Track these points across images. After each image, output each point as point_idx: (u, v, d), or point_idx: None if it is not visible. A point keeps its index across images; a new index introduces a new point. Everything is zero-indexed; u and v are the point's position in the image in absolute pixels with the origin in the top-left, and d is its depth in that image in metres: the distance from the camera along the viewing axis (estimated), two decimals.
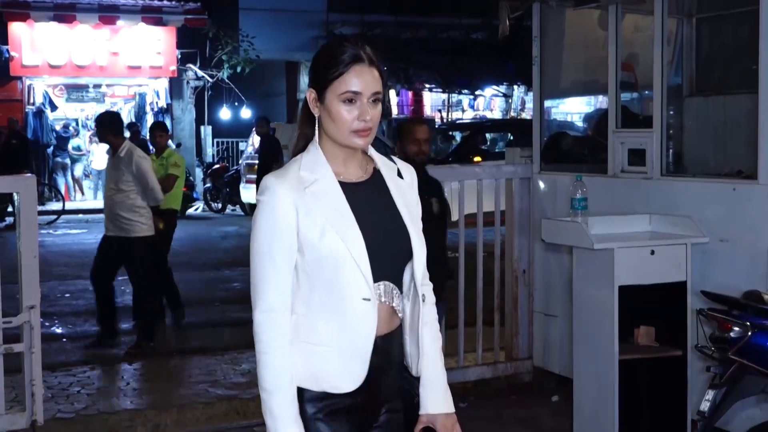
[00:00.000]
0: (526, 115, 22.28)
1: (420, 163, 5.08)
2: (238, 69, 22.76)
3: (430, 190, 5.13)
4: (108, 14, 21.54)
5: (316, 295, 2.42)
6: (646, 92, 5.71)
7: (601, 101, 6.40)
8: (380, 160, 2.57)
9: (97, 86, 22.93)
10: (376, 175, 2.54)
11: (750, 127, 4.99)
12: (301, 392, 2.40)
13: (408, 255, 2.49)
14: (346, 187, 2.44)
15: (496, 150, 14.99)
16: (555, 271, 6.15)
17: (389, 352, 2.49)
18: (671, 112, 5.79)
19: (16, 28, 20.98)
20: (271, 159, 12.84)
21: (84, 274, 11.60)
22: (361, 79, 2.38)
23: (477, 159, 13.43)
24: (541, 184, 6.41)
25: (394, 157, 2.67)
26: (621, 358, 4.77)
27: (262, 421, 2.42)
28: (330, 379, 2.40)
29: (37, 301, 5.42)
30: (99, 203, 20.97)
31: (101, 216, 18.86)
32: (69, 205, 20.21)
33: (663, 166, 5.51)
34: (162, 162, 8.79)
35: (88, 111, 23.12)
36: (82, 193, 22.19)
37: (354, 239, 2.37)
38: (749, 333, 4.15)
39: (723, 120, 5.72)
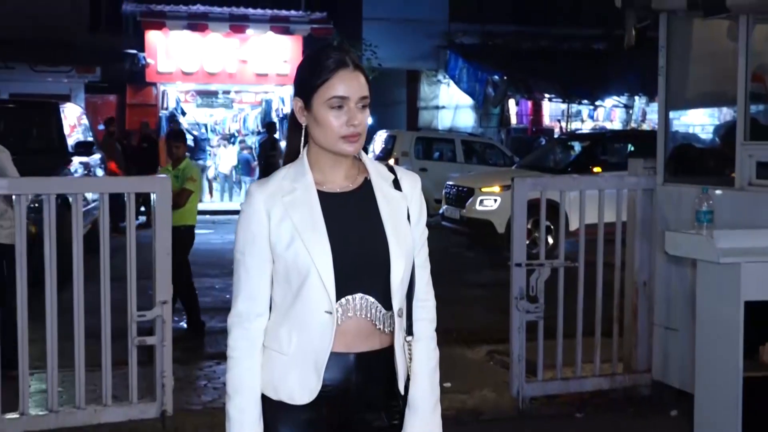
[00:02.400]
0: (647, 126, 21.82)
1: None
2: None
3: None
4: (238, 23, 21.91)
5: (285, 304, 2.37)
6: None
7: (727, 113, 6.21)
8: (374, 170, 2.48)
9: (226, 92, 23.38)
10: (365, 185, 2.44)
11: None
12: (264, 399, 2.38)
13: (388, 269, 2.37)
14: (326, 196, 2.37)
15: (617, 162, 14.75)
16: (677, 284, 6.00)
17: (371, 369, 2.38)
18: None
19: (152, 37, 21.52)
20: None
21: (210, 273, 11.97)
22: (348, 84, 2.33)
23: (597, 170, 13.20)
24: (665, 196, 6.27)
25: (396, 167, 2.57)
26: (745, 375, 4.63)
27: None
28: (285, 389, 2.35)
29: (169, 297, 5.59)
30: (225, 205, 21.62)
31: (227, 217, 19.51)
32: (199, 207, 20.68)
33: None
34: (177, 174, 8.16)
35: (217, 116, 23.67)
36: (211, 195, 22.59)
37: (320, 250, 2.30)
38: None
39: None
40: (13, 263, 5.40)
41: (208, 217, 19.66)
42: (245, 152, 23.12)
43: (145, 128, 19.28)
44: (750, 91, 5.69)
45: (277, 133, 20.93)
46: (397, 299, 2.38)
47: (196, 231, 16.61)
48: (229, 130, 23.58)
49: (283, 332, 2.35)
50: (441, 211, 16.05)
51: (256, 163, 22.80)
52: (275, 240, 2.33)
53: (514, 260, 5.97)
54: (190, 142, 22.12)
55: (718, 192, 5.63)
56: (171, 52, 21.64)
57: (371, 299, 2.35)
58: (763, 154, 5.55)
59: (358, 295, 2.34)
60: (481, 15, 24.23)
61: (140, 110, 21.85)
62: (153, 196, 5.65)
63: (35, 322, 5.34)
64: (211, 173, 22.65)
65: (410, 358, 2.45)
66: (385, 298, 2.36)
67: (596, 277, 6.33)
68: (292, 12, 22.71)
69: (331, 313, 2.30)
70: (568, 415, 5.88)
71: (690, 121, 6.92)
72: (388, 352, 2.41)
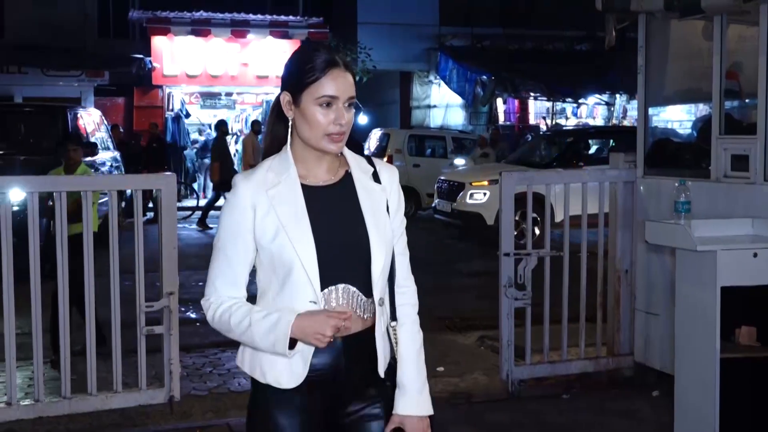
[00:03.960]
0: (627, 122, 21.84)
1: None
2: (356, 78, 22.85)
3: None
4: (239, 28, 21.95)
5: (270, 293, 2.34)
6: (750, 100, 5.53)
7: (703, 109, 6.22)
8: (355, 163, 2.45)
9: (228, 94, 23.44)
10: (347, 178, 2.41)
11: None
12: (253, 381, 2.39)
13: (369, 259, 2.34)
14: (309, 190, 2.34)
15: (599, 156, 14.75)
16: (657, 271, 6.03)
17: (353, 353, 2.35)
18: None
19: (158, 42, 21.52)
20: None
21: None
22: (337, 84, 2.29)
23: (581, 165, 13.23)
24: (645, 188, 6.30)
25: (375, 159, 2.54)
26: (722, 356, 4.63)
27: None
28: (273, 373, 2.32)
29: (175, 288, 5.58)
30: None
31: None
32: (203, 203, 20.65)
33: (766, 171, 5.35)
34: None
35: (220, 116, 23.64)
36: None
37: (304, 242, 2.27)
38: None
39: None
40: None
41: (213, 212, 19.59)
42: None
43: (153, 129, 19.25)
44: (725, 88, 5.70)
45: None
46: (379, 288, 2.37)
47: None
48: (232, 130, 23.56)
49: None
50: (433, 205, 16.13)
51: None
52: (260, 232, 2.30)
53: (502, 250, 5.97)
54: (197, 136, 22.21)
55: (694, 184, 5.61)
56: (176, 56, 21.64)
57: (353, 289, 2.33)
58: (737, 147, 5.55)
59: (341, 286, 2.32)
60: (470, 19, 24.24)
61: (147, 112, 21.81)
62: (159, 193, 5.64)
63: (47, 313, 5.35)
64: None
65: (395, 342, 2.44)
66: (366, 287, 2.35)
67: (581, 266, 6.33)
68: (291, 17, 22.74)
69: (316, 303, 2.28)
70: (555, 396, 5.91)
71: (668, 117, 6.95)
72: (370, 337, 2.38)
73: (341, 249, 2.33)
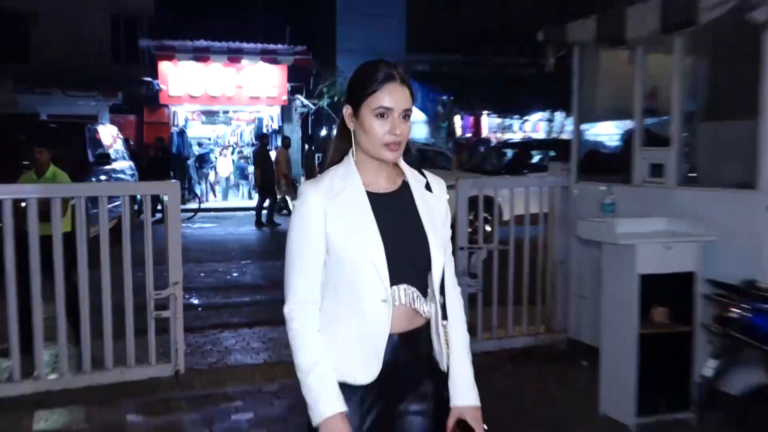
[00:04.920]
0: (565, 136, 21.98)
1: None
2: (335, 98, 22.94)
3: None
4: (235, 55, 21.78)
5: (340, 294, 2.15)
6: (665, 118, 5.61)
7: (627, 124, 6.29)
8: (410, 174, 2.30)
9: (225, 112, 23.30)
10: (404, 187, 2.25)
11: (751, 146, 4.88)
12: None
13: (428, 262, 2.20)
14: (373, 197, 2.18)
15: (540, 164, 14.79)
16: (587, 261, 6.05)
17: (412, 348, 2.20)
18: (687, 134, 5.67)
19: (164, 67, 21.37)
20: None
21: (215, 258, 11.94)
22: (393, 96, 2.12)
23: (526, 171, 13.31)
24: (578, 192, 6.34)
25: (425, 171, 2.38)
26: (640, 332, 4.72)
27: None
28: (348, 370, 2.13)
29: (180, 278, 5.61)
30: (227, 203, 21.49)
31: (229, 213, 19.39)
32: (203, 205, 20.63)
33: (678, 177, 5.42)
34: (47, 182, 6.30)
35: (218, 131, 23.62)
36: (215, 195, 22.53)
37: (374, 245, 2.11)
38: (748, 314, 4.07)
39: (729, 140, 5.60)
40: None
41: (212, 213, 19.63)
42: (241, 161, 23.09)
43: (159, 142, 19.17)
44: (644, 107, 5.76)
45: (270, 144, 20.94)
46: (437, 288, 2.24)
47: (203, 225, 16.92)
48: (228, 143, 23.53)
49: (342, 320, 2.16)
50: None
51: (250, 169, 22.82)
52: (332, 236, 2.13)
53: (457, 245, 6.03)
54: (193, 154, 22.12)
55: (619, 188, 5.67)
56: (180, 79, 21.48)
57: (413, 288, 2.17)
58: (654, 157, 5.59)
59: (403, 286, 2.15)
60: (432, 48, 24.33)
61: (155, 127, 21.71)
62: (165, 198, 5.66)
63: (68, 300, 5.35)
64: (212, 177, 22.58)
65: (446, 340, 2.29)
66: (422, 287, 2.21)
67: (523, 257, 6.40)
68: (279, 45, 22.59)
69: (386, 301, 2.12)
70: (502, 367, 5.94)
71: (597, 131, 6.99)
72: (425, 333, 2.24)
73: (404, 252, 2.17)
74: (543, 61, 6.51)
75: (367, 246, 2.12)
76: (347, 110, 2.19)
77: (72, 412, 5.04)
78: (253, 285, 9.93)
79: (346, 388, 2.13)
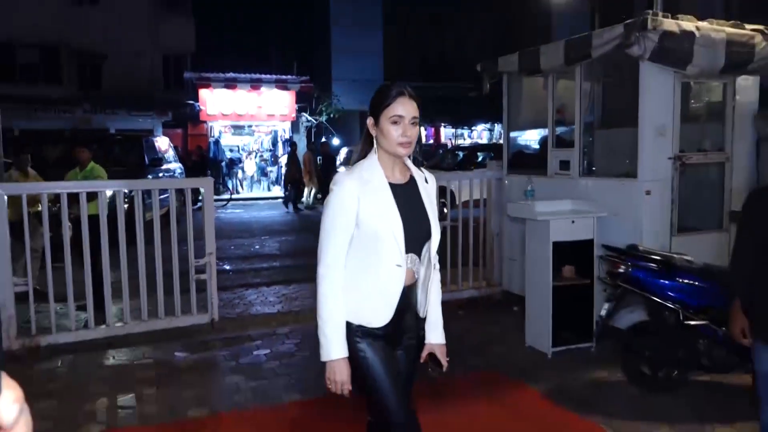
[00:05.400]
0: (502, 141, 21.95)
1: None
2: (332, 115, 22.82)
3: None
4: (255, 83, 21.59)
5: (365, 259, 2.10)
6: (570, 127, 5.61)
7: (542, 132, 6.30)
8: (414, 170, 2.27)
9: (249, 126, 22.98)
10: (412, 179, 2.23)
11: (632, 147, 4.90)
12: (347, 324, 2.12)
13: (428, 236, 2.18)
14: (392, 186, 2.14)
15: (483, 162, 14.72)
16: (515, 233, 6.07)
17: (409, 299, 2.19)
18: (588, 138, 5.67)
19: (203, 93, 21.14)
20: (328, 167, 12.25)
21: (242, 236, 11.86)
22: (404, 107, 2.09)
23: (472, 168, 13.31)
24: (508, 182, 6.35)
25: (422, 169, 2.35)
26: (554, 284, 4.76)
27: None
28: (367, 317, 2.11)
29: (213, 249, 5.56)
30: (252, 194, 21.35)
31: (253, 202, 19.27)
32: (234, 196, 20.49)
33: (580, 170, 5.44)
34: (87, 175, 6.13)
35: (245, 141, 23.40)
36: (243, 188, 22.36)
37: (396, 222, 2.09)
38: (630, 269, 4.11)
39: (618, 143, 5.62)
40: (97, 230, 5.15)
41: (240, 202, 19.51)
42: (262, 162, 22.99)
43: (199, 150, 19.01)
44: (555, 119, 5.77)
45: (283, 150, 20.81)
46: (434, 256, 2.24)
47: (233, 210, 16.82)
48: (252, 149, 23.32)
49: (364, 278, 2.11)
50: None
51: (268, 169, 22.71)
52: (363, 214, 2.06)
53: None
54: (227, 158, 21.96)
55: (537, 179, 5.69)
56: (215, 101, 21.20)
57: (414, 256, 2.15)
58: (563, 155, 5.61)
59: (411, 254, 2.13)
60: (402, 76, 24.19)
61: (197, 138, 21.53)
62: (201, 190, 5.60)
63: (131, 269, 5.30)
64: (240, 175, 22.42)
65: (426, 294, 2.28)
66: (419, 255, 2.18)
67: (469, 231, 6.41)
68: (289, 76, 22.45)
69: (401, 266, 2.10)
70: (455, 312, 5.95)
71: (521, 137, 7.01)
72: (414, 289, 2.21)
73: (413, 228, 2.14)
74: (481, 85, 6.49)
75: (390, 223, 2.09)
76: (370, 121, 2.15)
77: (134, 351, 5.03)
78: (270, 254, 9.88)
79: (363, 329, 2.11)
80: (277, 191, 21.68)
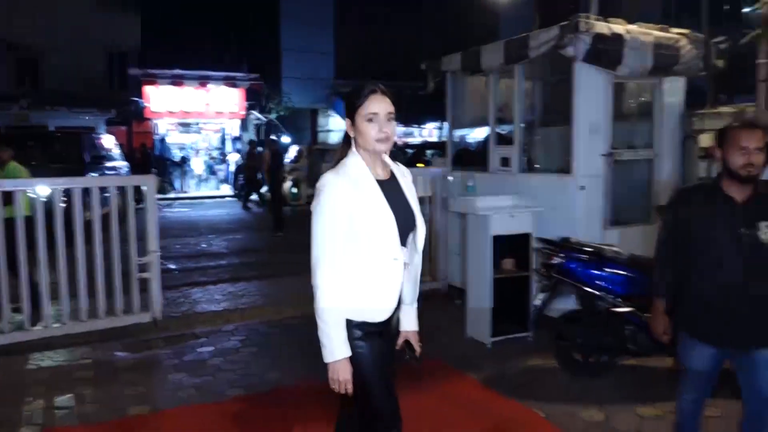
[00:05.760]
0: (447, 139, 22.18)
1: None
2: (282, 113, 22.66)
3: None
4: (204, 80, 21.32)
5: (362, 256, 2.09)
6: (511, 125, 5.78)
7: (484, 130, 6.44)
8: (393, 165, 2.27)
9: (197, 124, 22.63)
10: (393, 175, 2.24)
11: (568, 144, 5.09)
12: (347, 322, 2.11)
13: (413, 228, 2.20)
14: (377, 183, 2.16)
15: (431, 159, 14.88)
16: (457, 227, 6.15)
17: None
18: (528, 136, 5.84)
19: (148, 89, 20.75)
20: (277, 165, 12.01)
21: (188, 234, 11.69)
22: (377, 104, 2.11)
23: (420, 165, 13.44)
24: (452, 178, 6.44)
25: (397, 163, 2.35)
26: (494, 277, 4.87)
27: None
28: (370, 313, 2.12)
29: (157, 248, 5.50)
30: (199, 193, 21.05)
31: (200, 201, 18.97)
32: (180, 195, 20.11)
33: (520, 166, 5.60)
34: (7, 175, 5.62)
35: (192, 138, 23.01)
36: (190, 187, 22.01)
37: (389, 218, 2.10)
38: (563, 261, 4.29)
39: (555, 140, 5.82)
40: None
41: (188, 201, 19.19)
42: (210, 161, 22.66)
43: (143, 147, 18.64)
44: (497, 117, 5.91)
45: (232, 148, 20.56)
46: (420, 247, 2.26)
47: (180, 209, 16.53)
48: (200, 147, 22.96)
49: (364, 274, 2.11)
50: None
51: (217, 167, 22.39)
52: (357, 212, 2.07)
53: None
54: (174, 157, 21.54)
55: (479, 175, 5.84)
56: (161, 98, 20.83)
57: (404, 248, 2.18)
58: (503, 153, 5.75)
59: (403, 247, 2.18)
60: (354, 75, 24.24)
61: (141, 136, 21.03)
62: (144, 188, 5.53)
63: (70, 269, 5.18)
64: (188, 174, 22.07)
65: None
66: (406, 247, 2.20)
67: None
68: (238, 73, 22.19)
69: (397, 259, 2.13)
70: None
71: (464, 135, 7.15)
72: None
73: (402, 222, 2.15)
74: (425, 84, 6.59)
75: (385, 219, 2.10)
76: (347, 122, 2.16)
77: (72, 352, 4.93)
78: (217, 253, 9.78)
79: (364, 326, 2.12)
80: (226, 190, 21.43)
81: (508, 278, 4.96)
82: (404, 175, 2.28)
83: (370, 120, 2.10)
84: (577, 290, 4.28)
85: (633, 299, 4.08)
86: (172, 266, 8.48)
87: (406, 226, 2.17)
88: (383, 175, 2.19)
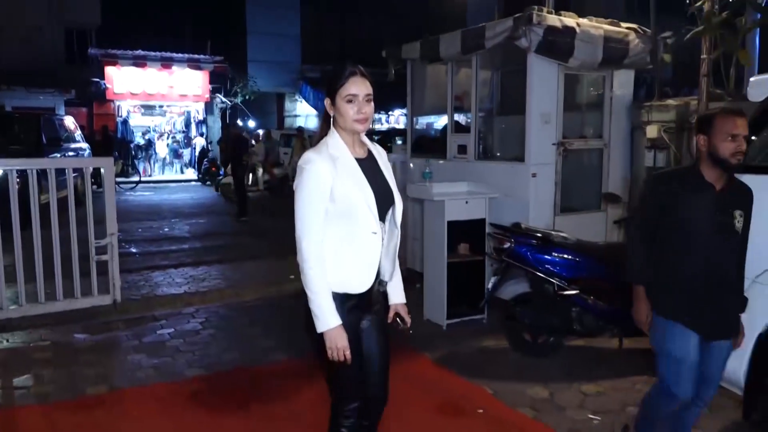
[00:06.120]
0: (418, 126, 22.30)
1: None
2: (247, 97, 22.42)
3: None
4: (167, 62, 20.91)
5: (342, 231, 2.17)
6: (468, 113, 5.89)
7: (443, 118, 6.55)
8: (370, 144, 2.35)
9: (160, 106, 22.27)
10: (370, 153, 2.31)
11: (521, 133, 5.25)
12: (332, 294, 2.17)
13: (391, 204, 2.27)
14: (357, 161, 2.22)
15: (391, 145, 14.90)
16: (416, 213, 6.20)
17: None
18: (484, 124, 5.96)
19: (109, 70, 20.24)
20: (240, 150, 11.88)
21: (151, 218, 11.58)
22: (357, 86, 2.17)
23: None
24: (412, 164, 6.53)
25: (373, 142, 2.41)
26: (449, 261, 4.99)
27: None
28: (351, 284, 2.19)
29: (115, 230, 5.48)
30: (163, 177, 20.75)
31: (164, 185, 18.76)
32: (143, 178, 19.81)
33: (476, 154, 5.72)
34: None
35: (156, 121, 22.63)
36: (154, 171, 21.68)
37: (369, 194, 2.18)
38: (513, 245, 4.45)
39: (509, 129, 5.96)
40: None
41: (151, 185, 18.92)
42: (174, 144, 22.33)
43: (104, 130, 18.25)
44: (454, 105, 6.01)
45: (197, 131, 20.21)
46: (398, 221, 2.32)
47: (143, 193, 16.32)
48: (164, 130, 22.58)
49: (345, 248, 2.18)
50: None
51: (182, 150, 22.10)
52: (338, 188, 2.14)
53: None
54: (134, 138, 21.13)
55: (437, 162, 5.95)
56: (123, 80, 20.35)
57: (382, 223, 2.24)
58: (460, 140, 5.86)
59: (381, 222, 2.23)
60: (320, 59, 24.11)
61: (103, 118, 20.56)
62: (102, 170, 5.51)
63: (26, 251, 5.14)
64: (153, 157, 21.71)
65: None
66: (384, 223, 2.26)
67: None
68: (202, 55, 21.79)
69: (376, 233, 2.19)
70: None
71: (424, 122, 7.24)
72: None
73: (381, 198, 2.23)
74: (386, 71, 6.66)
75: (364, 195, 2.17)
76: (327, 101, 2.22)
77: (30, 334, 4.92)
78: (179, 237, 9.71)
79: (345, 296, 2.19)
80: (191, 174, 21.19)
81: (464, 263, 5.09)
82: (380, 154, 2.37)
83: (349, 101, 2.17)
84: (527, 273, 4.45)
85: (579, 282, 4.27)
86: (134, 250, 8.42)
87: (384, 202, 2.24)
88: (361, 154, 2.26)
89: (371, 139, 2.41)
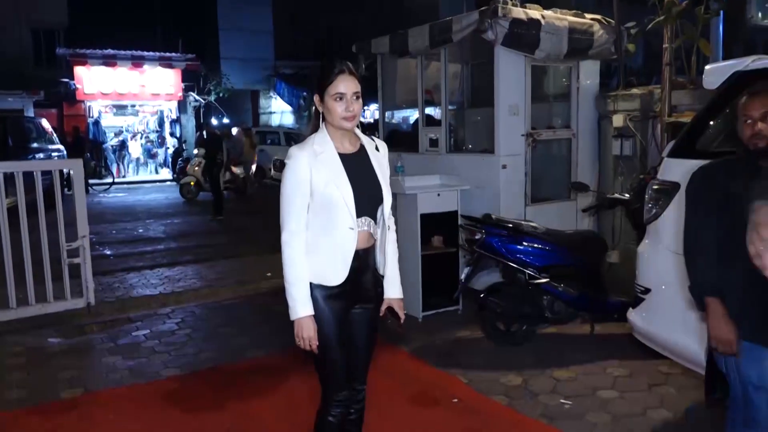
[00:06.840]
0: (395, 120, 22.35)
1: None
2: (221, 95, 22.25)
3: None
4: (138, 61, 20.60)
5: (320, 224, 2.23)
6: (438, 107, 5.94)
7: (414, 112, 6.57)
8: (364, 139, 2.37)
9: (132, 106, 21.95)
10: (362, 149, 2.33)
11: (491, 125, 5.31)
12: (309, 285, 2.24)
13: (380, 201, 2.31)
14: (342, 156, 2.25)
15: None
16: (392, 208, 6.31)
17: (367, 260, 2.32)
18: (454, 117, 6.01)
19: (79, 70, 19.86)
20: (214, 148, 11.78)
21: (124, 219, 11.46)
22: (345, 84, 2.20)
23: None
24: None
25: (373, 137, 2.47)
26: (423, 254, 5.03)
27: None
28: (327, 276, 2.25)
29: (86, 232, 5.41)
30: (137, 177, 20.50)
31: (138, 186, 18.53)
32: (117, 179, 19.54)
33: (447, 147, 5.76)
34: None
35: (128, 121, 22.31)
36: (128, 172, 21.41)
37: (346, 189, 2.21)
38: (483, 236, 4.52)
39: (479, 121, 6.02)
40: None
41: (124, 186, 18.69)
42: (148, 144, 22.04)
43: (75, 131, 17.95)
44: (425, 99, 6.04)
45: (171, 128, 19.97)
46: (387, 218, 2.38)
47: (116, 194, 16.10)
48: (136, 130, 22.29)
49: (322, 241, 2.23)
50: (271, 175, 16.04)
51: (156, 150, 21.84)
52: (316, 183, 2.20)
53: None
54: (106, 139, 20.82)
55: (409, 155, 5.96)
56: (93, 80, 19.99)
57: (369, 219, 2.29)
58: (432, 133, 5.90)
59: (365, 218, 2.28)
60: (294, 56, 24.07)
61: (73, 119, 20.13)
62: (71, 172, 5.44)
63: None
64: (126, 158, 21.42)
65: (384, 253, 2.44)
66: (374, 218, 2.32)
67: None
68: (174, 53, 21.54)
69: (353, 229, 2.23)
70: None
71: (395, 116, 7.27)
72: (373, 250, 2.36)
73: (364, 194, 2.26)
74: (356, 66, 6.65)
75: (341, 190, 2.20)
76: (316, 98, 2.26)
77: (1, 339, 4.85)
78: (154, 238, 9.64)
79: (323, 287, 2.24)
80: (165, 174, 20.95)
81: (438, 255, 5.13)
82: (377, 149, 2.39)
83: (338, 99, 2.21)
84: (498, 263, 4.52)
85: (549, 270, 4.36)
86: (108, 252, 8.35)
87: (369, 198, 2.28)
88: (350, 149, 2.30)
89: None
